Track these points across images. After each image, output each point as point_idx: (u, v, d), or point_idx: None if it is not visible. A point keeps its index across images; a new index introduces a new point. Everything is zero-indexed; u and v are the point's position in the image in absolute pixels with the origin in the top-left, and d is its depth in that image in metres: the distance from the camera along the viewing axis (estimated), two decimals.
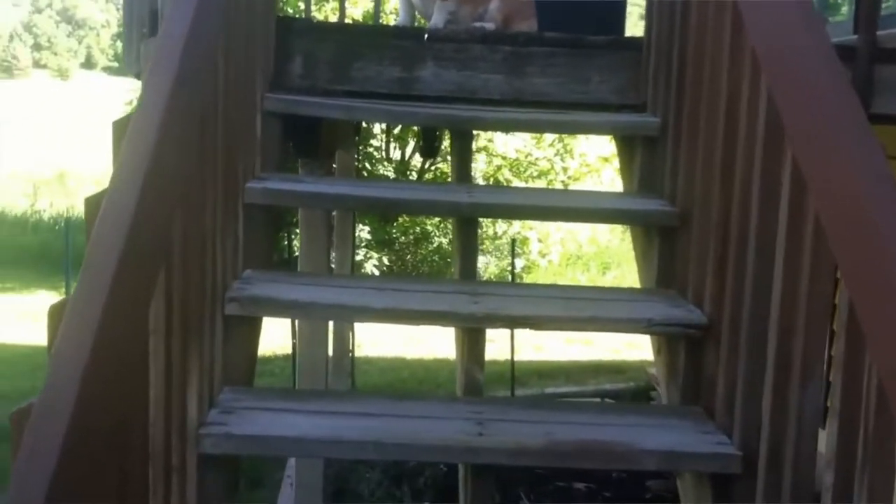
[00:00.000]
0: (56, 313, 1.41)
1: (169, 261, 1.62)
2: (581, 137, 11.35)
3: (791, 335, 1.69)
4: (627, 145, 2.82)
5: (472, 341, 2.08)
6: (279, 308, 2.13)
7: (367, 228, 10.63)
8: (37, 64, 69.63)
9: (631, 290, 2.61)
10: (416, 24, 3.36)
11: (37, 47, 73.82)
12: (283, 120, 2.65)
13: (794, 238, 1.70)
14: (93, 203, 1.64)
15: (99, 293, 1.29)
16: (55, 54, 71.65)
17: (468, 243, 2.41)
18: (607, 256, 14.49)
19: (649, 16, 2.77)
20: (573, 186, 12.14)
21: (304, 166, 3.25)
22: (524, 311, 2.06)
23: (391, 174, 11.11)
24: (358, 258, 10.25)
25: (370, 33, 2.86)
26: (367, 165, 10.96)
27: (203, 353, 1.84)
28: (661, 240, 2.41)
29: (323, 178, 2.88)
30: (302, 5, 6.79)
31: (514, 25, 3.18)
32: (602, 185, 11.87)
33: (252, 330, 2.17)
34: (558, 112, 2.74)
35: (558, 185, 11.96)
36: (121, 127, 1.76)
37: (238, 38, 2.20)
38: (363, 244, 10.66)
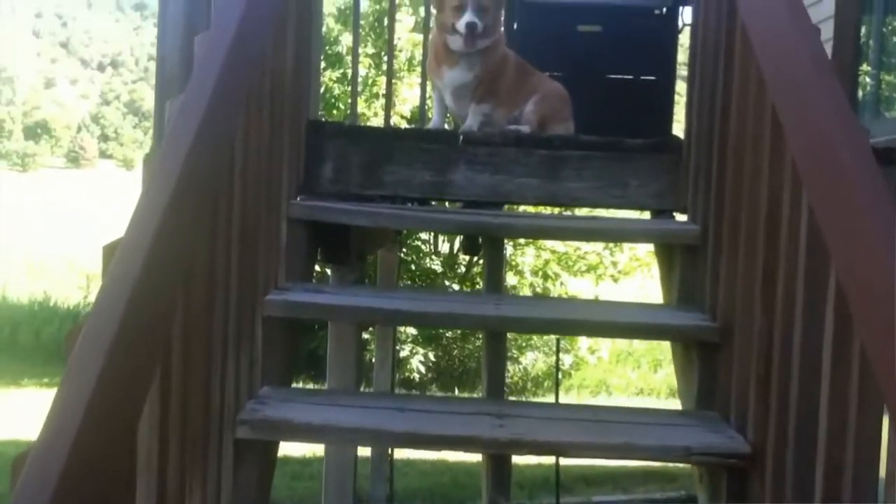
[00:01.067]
0: None
1: (166, 364, 1.51)
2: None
3: (839, 474, 1.53)
4: (667, 253, 2.70)
5: (496, 467, 1.94)
6: (293, 432, 2.02)
7: None
8: (103, 154, 72.06)
9: (669, 412, 2.46)
10: (448, 125, 3.31)
11: (104, 138, 76.59)
12: (309, 226, 2.59)
13: (840, 363, 1.56)
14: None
15: (83, 393, 1.16)
16: (121, 145, 74.15)
17: (496, 357, 2.30)
18: (659, 353, 14.15)
19: (689, 118, 2.68)
20: (623, 281, 11.96)
21: (333, 273, 3.18)
22: (552, 436, 1.92)
23: (438, 268, 11.05)
24: (403, 354, 10.13)
25: (402, 136, 2.82)
26: (415, 258, 10.93)
27: (206, 481, 1.73)
28: (701, 357, 2.26)
29: (348, 288, 2.80)
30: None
31: (550, 127, 3.12)
32: (652, 279, 11.65)
33: (266, 453, 2.06)
34: (594, 219, 2.64)
35: (608, 280, 11.78)
36: None
37: (260, 136, 2.15)
38: (409, 339, 10.55)
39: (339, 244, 2.82)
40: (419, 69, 7.26)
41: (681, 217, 2.80)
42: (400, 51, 9.10)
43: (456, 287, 10.63)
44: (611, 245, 12.08)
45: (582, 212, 4.81)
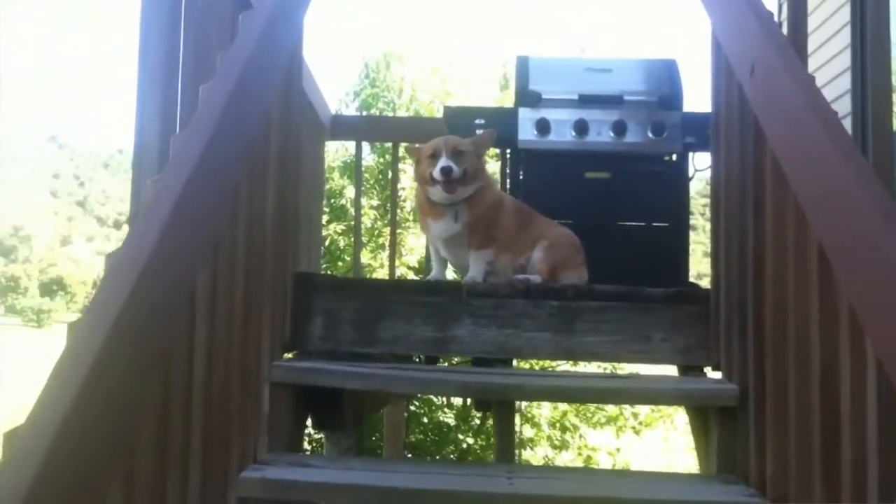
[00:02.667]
0: None
1: None
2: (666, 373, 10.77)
3: None
4: (700, 416, 2.39)
5: None
6: None
7: None
8: None
9: None
10: (456, 274, 3.06)
11: None
12: (296, 390, 2.30)
13: None
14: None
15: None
16: None
17: None
18: None
19: (715, 265, 2.43)
20: (645, 433, 11.42)
21: (327, 439, 2.86)
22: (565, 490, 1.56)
23: (451, 420, 10.56)
24: None
25: (399, 289, 2.56)
26: (427, 411, 10.47)
27: None
28: None
29: (340, 459, 2.48)
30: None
31: (562, 275, 2.87)
32: (676, 431, 11.12)
33: None
34: (615, 378, 2.34)
35: (629, 432, 11.26)
36: None
37: (230, 291, 1.89)
38: None
39: (331, 408, 2.52)
40: None
41: (713, 373, 2.51)
42: (405, 201, 9.00)
43: (470, 440, 10.12)
44: None
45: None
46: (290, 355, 2.53)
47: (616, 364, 7.23)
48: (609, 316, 2.51)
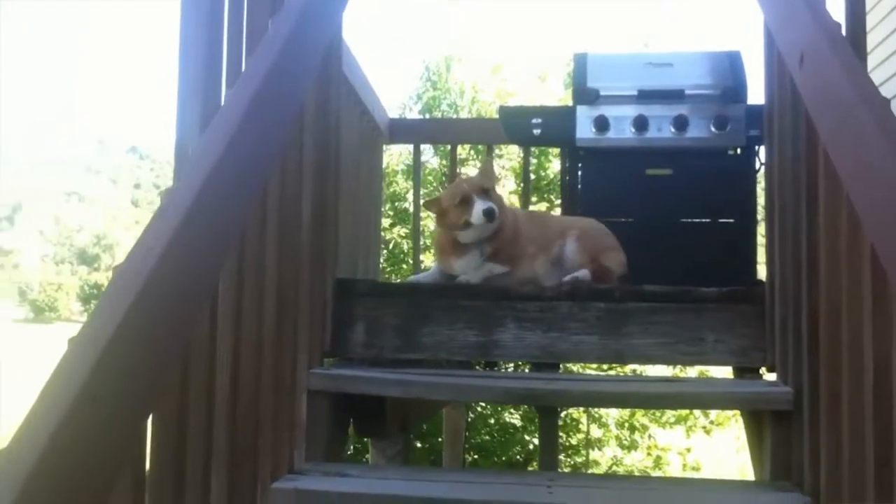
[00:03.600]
0: None
1: None
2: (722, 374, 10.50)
3: None
4: (754, 420, 2.28)
5: None
6: None
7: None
8: None
9: None
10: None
11: None
12: (336, 398, 2.27)
13: None
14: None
15: None
16: None
17: None
18: None
19: (770, 264, 2.32)
20: (716, 432, 11.14)
21: (373, 447, 2.83)
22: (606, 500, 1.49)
23: (517, 421, 10.44)
24: None
25: (441, 294, 2.50)
26: (494, 411, 10.36)
27: None
28: None
29: (381, 468, 2.44)
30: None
31: (603, 259, 2.78)
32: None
33: None
34: (666, 381, 2.26)
35: (699, 432, 10.99)
36: None
37: (262, 300, 1.87)
38: None
39: (374, 416, 2.49)
40: None
41: (769, 376, 2.40)
42: None
43: (536, 441, 9.98)
44: None
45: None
46: (332, 361, 2.51)
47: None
48: (660, 317, 2.42)
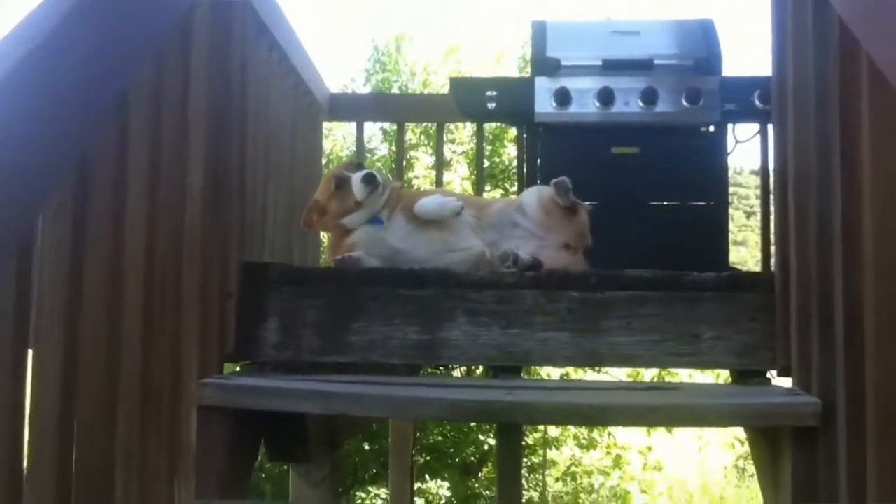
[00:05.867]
0: None
1: None
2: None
3: None
4: (767, 438, 1.82)
5: None
6: None
7: (445, 485, 9.43)
8: None
9: None
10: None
11: None
12: (236, 415, 1.76)
13: None
14: None
15: None
16: None
17: None
18: None
19: (782, 247, 1.87)
20: (677, 431, 10.76)
21: (294, 471, 2.31)
22: None
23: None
24: None
25: (374, 281, 2.00)
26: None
27: None
28: None
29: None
30: None
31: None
32: (709, 428, 10.48)
33: None
34: (655, 389, 1.79)
35: (660, 430, 10.59)
36: None
37: (113, 286, 1.35)
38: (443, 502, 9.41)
39: (291, 436, 1.99)
40: None
41: (778, 379, 1.95)
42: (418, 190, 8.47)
43: (492, 441, 9.48)
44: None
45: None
46: (241, 367, 2.01)
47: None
48: (645, 309, 1.95)
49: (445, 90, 9.80)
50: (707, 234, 3.74)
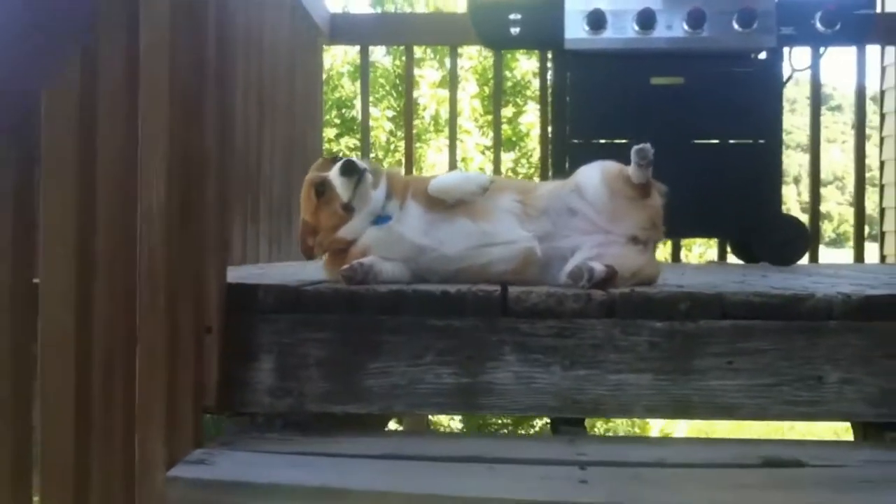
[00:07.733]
0: None
1: None
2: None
3: None
4: None
5: None
6: None
7: None
8: None
9: None
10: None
11: None
12: None
13: None
14: None
15: None
16: None
17: None
18: None
19: None
20: None
21: None
22: None
23: None
24: None
25: (398, 307, 1.53)
26: None
27: None
28: None
29: None
30: None
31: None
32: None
33: None
34: (765, 467, 1.34)
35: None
36: None
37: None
38: None
39: None
40: (447, 130, 6.15)
41: None
42: (424, 109, 7.92)
43: None
44: None
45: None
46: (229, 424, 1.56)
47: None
48: (751, 344, 1.49)
49: (455, 2, 9.18)
50: (756, 175, 3.47)
